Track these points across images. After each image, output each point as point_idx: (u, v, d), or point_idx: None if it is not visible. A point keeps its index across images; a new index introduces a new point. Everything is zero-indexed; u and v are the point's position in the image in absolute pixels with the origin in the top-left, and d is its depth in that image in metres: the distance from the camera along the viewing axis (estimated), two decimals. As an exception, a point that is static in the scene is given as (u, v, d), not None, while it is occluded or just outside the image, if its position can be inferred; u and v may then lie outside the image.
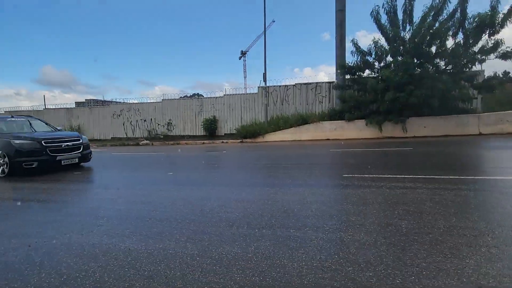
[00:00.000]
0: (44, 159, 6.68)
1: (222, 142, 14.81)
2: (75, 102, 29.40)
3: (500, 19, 10.48)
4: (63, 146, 7.00)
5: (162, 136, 18.06)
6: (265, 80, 15.96)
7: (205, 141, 15.38)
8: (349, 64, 13.15)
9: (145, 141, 16.44)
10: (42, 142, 6.67)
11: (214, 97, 17.60)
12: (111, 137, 19.74)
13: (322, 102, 15.43)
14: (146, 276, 2.07)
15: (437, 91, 10.85)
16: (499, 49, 10.61)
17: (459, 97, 11.58)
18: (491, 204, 3.31)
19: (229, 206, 3.65)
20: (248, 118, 16.56)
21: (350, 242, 2.45)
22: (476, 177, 4.53)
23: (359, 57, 12.89)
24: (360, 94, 13.05)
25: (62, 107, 22.24)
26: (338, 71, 13.67)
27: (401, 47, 11.98)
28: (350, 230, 2.70)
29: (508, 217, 2.83)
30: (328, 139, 13.10)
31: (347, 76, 13.59)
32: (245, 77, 74.17)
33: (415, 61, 11.70)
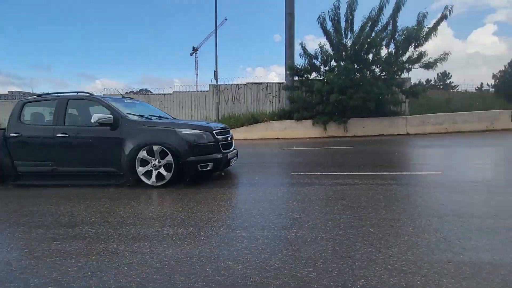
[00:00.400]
0: (219, 158, 4.68)
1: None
2: (-3, 94, 25.28)
3: (424, 33, 12.01)
4: (228, 139, 5.18)
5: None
6: (216, 78, 15.77)
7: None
8: (298, 66, 13.75)
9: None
10: (214, 133, 4.75)
11: (162, 94, 16.79)
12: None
13: (272, 102, 15.85)
14: None
15: (373, 95, 11.99)
16: (423, 60, 12.17)
17: (391, 101, 12.97)
18: (414, 197, 3.77)
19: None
20: (198, 116, 16.19)
21: (293, 239, 2.54)
22: (404, 173, 5.11)
23: (306, 60, 13.56)
24: (308, 95, 13.74)
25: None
26: (287, 72, 14.18)
27: (344, 53, 12.93)
28: (294, 227, 2.80)
29: (426, 208, 3.25)
30: (278, 138, 13.51)
31: (296, 78, 14.20)
32: (196, 74, 72.30)
33: (356, 66, 12.75)
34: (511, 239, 2.39)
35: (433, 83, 36.66)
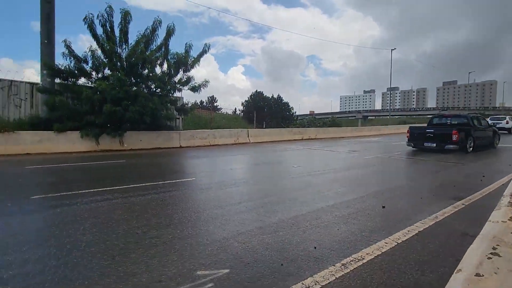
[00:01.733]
0: None
1: None
2: None
3: (191, 61, 14.09)
4: None
5: None
6: None
7: None
8: (60, 67, 11.54)
9: None
10: None
11: None
12: None
13: (20, 107, 12.13)
14: None
15: (149, 109, 12.37)
16: (190, 83, 14.22)
17: (166, 116, 14.02)
18: (176, 202, 4.25)
19: None
20: None
21: (18, 276, 2.05)
22: (164, 182, 5.64)
23: (73, 62, 11.69)
24: (75, 102, 11.83)
25: None
26: (45, 72, 11.51)
27: (119, 63, 12.42)
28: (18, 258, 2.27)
29: (181, 212, 3.76)
30: (28, 154, 10.45)
31: (57, 80, 11.81)
32: None
33: (132, 79, 12.63)
34: (252, 217, 3.32)
35: (205, 104, 43.90)
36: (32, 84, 12.36)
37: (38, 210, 3.78)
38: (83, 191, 4.71)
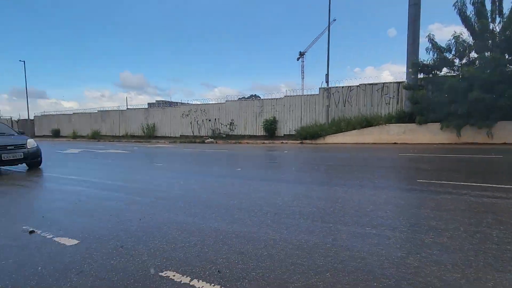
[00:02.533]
0: None
1: (282, 142, 15.10)
2: (148, 103, 33.03)
3: None
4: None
5: (224, 135, 19.22)
6: (327, 81, 15.74)
7: (265, 141, 15.88)
8: (423, 62, 12.15)
9: (210, 139, 17.74)
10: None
11: (274, 99, 18.02)
12: (180, 135, 21.77)
13: (389, 104, 14.52)
14: (238, 252, 2.41)
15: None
16: None
17: None
18: None
19: (300, 201, 3.85)
20: (307, 119, 16.53)
21: (432, 244, 2.42)
22: None
23: (435, 54, 11.81)
24: (435, 94, 11.91)
25: (141, 107, 25.41)
26: (410, 70, 12.72)
27: (490, 41, 10.57)
28: (431, 233, 2.65)
29: None
30: (395, 143, 12.28)
31: (420, 75, 12.56)
32: (302, 78, 73.46)
33: (507, 57, 10.22)
34: None
35: None
36: (398, 83, 14.27)
37: (428, 191, 4.20)
38: (465, 183, 4.53)
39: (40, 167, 7.86)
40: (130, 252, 2.47)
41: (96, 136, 25.60)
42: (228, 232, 2.85)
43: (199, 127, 20.89)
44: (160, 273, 2.10)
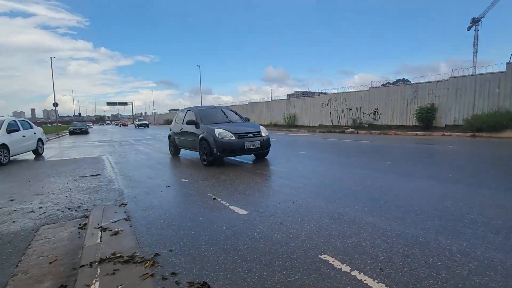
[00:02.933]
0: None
1: (443, 134, 12.39)
2: (287, 94, 34.94)
3: None
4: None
5: (366, 125, 17.81)
6: (522, 52, 11.40)
7: (418, 132, 13.54)
8: None
9: (350, 129, 16.92)
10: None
11: (433, 82, 14.89)
12: (319, 124, 21.95)
13: None
14: (402, 253, 2.17)
15: None
16: None
17: None
18: None
19: (485, 210, 3.03)
20: (484, 106, 12.72)
21: None
22: None
23: None
24: None
25: (282, 98, 27.39)
26: None
27: None
28: None
29: None
30: None
31: None
32: (474, 53, 57.00)
33: None
34: None
35: None
36: None
37: None
38: None
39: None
40: (290, 230, 2.71)
41: (247, 125, 29.92)
42: (386, 230, 2.62)
43: (338, 116, 20.30)
44: (319, 255, 2.20)
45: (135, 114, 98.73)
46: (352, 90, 19.63)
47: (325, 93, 23.58)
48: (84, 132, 27.98)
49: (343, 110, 19.98)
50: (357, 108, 18.89)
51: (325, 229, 2.69)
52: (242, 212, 3.29)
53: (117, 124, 73.50)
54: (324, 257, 2.17)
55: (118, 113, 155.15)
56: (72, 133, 27.50)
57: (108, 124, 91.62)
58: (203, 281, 1.88)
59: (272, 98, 29.39)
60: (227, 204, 3.60)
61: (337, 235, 2.55)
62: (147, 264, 2.16)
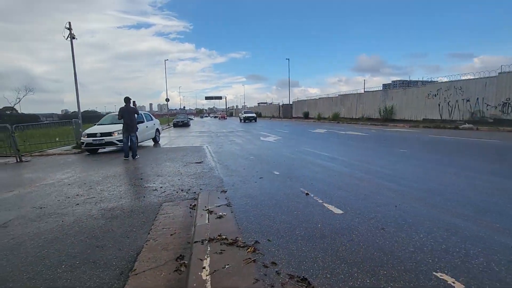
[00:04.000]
0: None
1: None
2: (382, 85, 31.44)
3: None
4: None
5: (491, 120, 14.43)
6: None
7: None
8: None
9: (467, 125, 14.03)
10: None
11: None
12: (423, 119, 19.04)
13: None
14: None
15: None
16: None
17: None
18: None
19: None
20: None
21: None
22: None
23: None
24: None
25: (378, 89, 24.86)
26: None
27: None
28: None
29: None
30: None
31: None
32: None
33: None
34: None
35: None
36: None
37: None
38: None
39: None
40: (394, 237, 2.46)
41: (336, 118, 28.48)
42: None
43: (450, 109, 17.08)
44: (434, 273, 1.92)
45: (228, 107, 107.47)
46: (472, 77, 16.18)
47: (432, 81, 20.24)
48: (186, 124, 29.61)
49: (457, 101, 16.75)
50: (477, 99, 15.50)
51: (439, 243, 2.33)
52: (337, 211, 3.17)
53: (215, 117, 76.01)
54: (441, 276, 1.87)
55: (214, 106, 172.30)
56: (175, 125, 29.38)
57: (206, 116, 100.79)
58: (303, 276, 1.90)
59: (366, 89, 27.06)
60: (321, 201, 3.53)
61: (456, 252, 2.17)
62: (249, 250, 2.33)
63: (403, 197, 3.58)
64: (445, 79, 17.88)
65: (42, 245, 2.72)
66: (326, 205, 3.38)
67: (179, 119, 30.20)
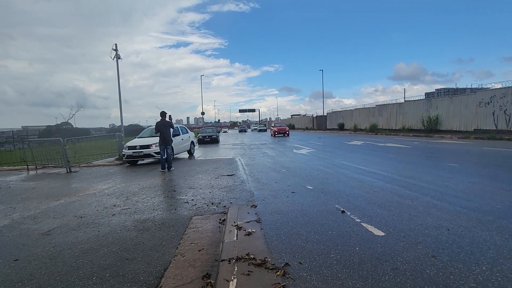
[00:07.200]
0: None
1: None
2: (425, 93, 29.31)
3: None
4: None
5: (560, 130, 12.59)
6: None
7: None
8: None
9: (529, 136, 12.39)
10: None
11: None
12: (474, 129, 17.28)
13: None
14: None
15: None
16: None
17: None
18: None
19: None
20: None
21: None
22: None
23: None
24: None
25: (420, 98, 23.25)
26: None
27: None
28: None
29: None
30: None
31: None
32: None
33: None
34: None
35: None
36: None
37: None
38: None
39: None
40: (448, 268, 2.11)
41: (373, 129, 27.12)
42: None
43: (507, 118, 15.27)
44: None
45: (261, 120, 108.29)
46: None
47: (483, 88, 18.41)
48: (214, 140, 21.25)
49: (516, 110, 14.96)
50: (541, 106, 13.69)
51: (508, 279, 1.93)
52: (378, 232, 2.85)
53: (261, 130, 60.09)
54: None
55: (247, 119, 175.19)
56: (201, 141, 21.03)
57: (244, 131, 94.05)
58: (339, 310, 1.67)
59: (406, 99, 25.48)
60: (359, 220, 3.23)
61: (533, 293, 1.77)
62: (278, 273, 2.15)
63: (458, 218, 3.13)
64: (499, 85, 16.16)
65: (78, 255, 2.80)
66: (364, 225, 3.08)
67: (205, 133, 22.22)
